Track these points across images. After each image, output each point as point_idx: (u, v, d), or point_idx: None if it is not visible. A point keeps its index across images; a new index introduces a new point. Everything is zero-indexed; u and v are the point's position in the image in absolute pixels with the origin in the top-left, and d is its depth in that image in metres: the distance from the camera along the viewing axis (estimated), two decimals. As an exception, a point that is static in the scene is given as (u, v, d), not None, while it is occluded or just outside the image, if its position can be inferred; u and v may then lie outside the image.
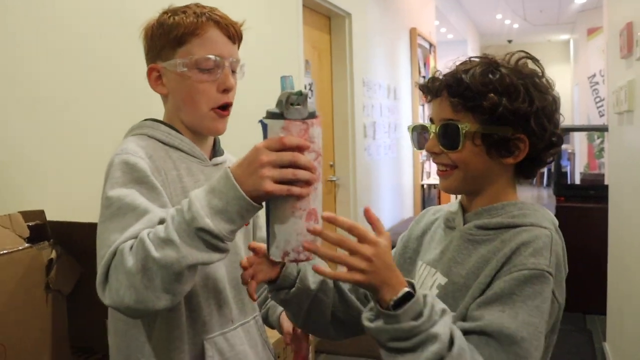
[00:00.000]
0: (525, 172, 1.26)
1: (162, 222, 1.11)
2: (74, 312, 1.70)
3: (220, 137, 1.47)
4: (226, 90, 1.34)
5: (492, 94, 1.15)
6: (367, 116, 5.34)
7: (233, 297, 1.38)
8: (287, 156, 1.03)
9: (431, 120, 1.27)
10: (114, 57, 2.23)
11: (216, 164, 1.42)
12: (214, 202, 1.05)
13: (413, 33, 7.11)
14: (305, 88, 4.22)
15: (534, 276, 1.08)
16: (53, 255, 1.61)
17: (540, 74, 1.23)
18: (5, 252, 1.47)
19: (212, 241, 1.05)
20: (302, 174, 1.04)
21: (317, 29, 4.64)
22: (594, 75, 9.97)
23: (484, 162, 1.20)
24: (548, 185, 13.17)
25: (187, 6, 1.35)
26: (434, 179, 7.88)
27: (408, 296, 1.03)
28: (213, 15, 1.34)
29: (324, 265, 1.08)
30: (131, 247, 1.07)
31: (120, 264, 1.07)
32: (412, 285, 1.05)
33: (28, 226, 1.58)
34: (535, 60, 1.26)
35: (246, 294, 1.40)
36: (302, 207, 1.05)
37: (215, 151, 1.45)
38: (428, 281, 1.26)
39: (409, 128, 1.34)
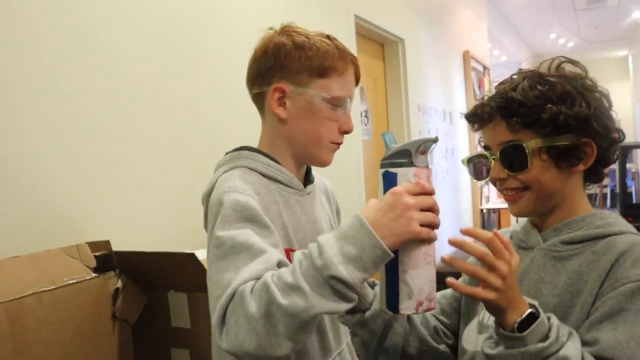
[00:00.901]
0: (593, 176, 1.22)
1: (280, 264, 1.08)
2: (138, 341, 1.71)
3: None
4: (347, 132, 1.33)
5: (549, 105, 1.13)
6: (423, 141, 5.29)
7: (330, 326, 1.36)
8: (429, 200, 1.01)
9: (486, 147, 1.23)
10: (183, 94, 2.27)
11: (309, 193, 1.39)
12: (347, 248, 0.99)
13: (466, 56, 7.06)
14: (362, 115, 4.23)
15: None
16: (119, 284, 1.63)
17: (585, 74, 1.20)
18: (73, 281, 1.49)
19: (343, 290, 0.98)
20: (437, 219, 1.03)
21: (370, 55, 4.65)
22: (656, 91, 9.71)
23: (555, 176, 1.17)
24: (613, 206, 12.79)
25: (322, 35, 1.32)
26: (494, 203, 7.75)
27: (532, 317, 0.99)
28: (353, 56, 1.33)
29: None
30: (252, 290, 1.01)
31: (240, 307, 1.01)
32: (534, 307, 1.01)
33: (95, 256, 1.61)
34: (574, 62, 1.23)
35: (340, 322, 1.38)
36: (430, 252, 1.03)
37: (308, 178, 1.42)
38: None
39: (463, 161, 1.30)
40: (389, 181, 1.04)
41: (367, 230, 0.99)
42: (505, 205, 5.59)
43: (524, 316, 0.99)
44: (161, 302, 1.72)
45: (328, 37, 1.32)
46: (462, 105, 6.88)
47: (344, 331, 1.42)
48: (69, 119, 1.85)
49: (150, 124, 2.17)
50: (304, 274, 0.98)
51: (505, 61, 11.45)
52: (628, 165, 8.43)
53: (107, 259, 1.64)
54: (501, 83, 1.23)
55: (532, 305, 1.01)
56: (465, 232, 1.03)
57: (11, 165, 1.68)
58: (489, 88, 8.25)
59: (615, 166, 5.43)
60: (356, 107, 4.02)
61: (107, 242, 1.67)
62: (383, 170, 1.05)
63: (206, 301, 1.14)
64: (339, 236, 1.01)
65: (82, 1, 1.91)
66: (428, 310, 1.04)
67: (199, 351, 1.69)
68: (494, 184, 1.24)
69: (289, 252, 1.23)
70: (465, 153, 6.91)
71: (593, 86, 1.19)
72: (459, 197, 6.60)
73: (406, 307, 1.03)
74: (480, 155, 1.25)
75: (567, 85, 1.15)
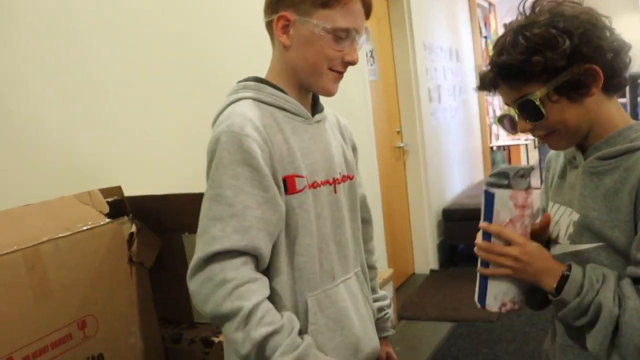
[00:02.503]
0: (614, 88, 1.22)
1: (255, 249, 1.22)
2: (157, 285, 1.73)
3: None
4: (350, 63, 1.35)
5: (534, 57, 1.15)
6: (431, 80, 5.24)
7: (336, 253, 1.39)
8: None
9: (507, 104, 1.28)
10: (188, 32, 2.25)
11: (318, 121, 1.41)
12: None
13: (471, -8, 6.93)
14: (367, 55, 4.17)
15: None
16: (133, 229, 1.64)
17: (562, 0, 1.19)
18: (87, 227, 1.50)
19: None
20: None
21: (373, -6, 4.57)
22: (667, 20, 9.49)
23: (575, 109, 1.19)
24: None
25: None
26: (503, 141, 7.71)
27: (566, 278, 1.14)
28: None
29: None
30: (232, 285, 1.18)
31: (214, 286, 1.18)
32: (569, 267, 1.16)
33: (107, 202, 1.61)
34: None
35: (349, 250, 1.43)
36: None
37: (316, 108, 1.44)
38: (564, 220, 1.27)
39: (495, 121, 1.42)
40: (487, 200, 1.22)
41: None
42: (514, 142, 5.57)
43: (558, 280, 1.15)
44: (176, 245, 1.73)
45: None
46: (468, 43, 6.78)
47: (354, 259, 1.45)
48: (75, 67, 1.84)
49: (156, 67, 2.15)
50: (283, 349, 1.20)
51: (511, -4, 11.23)
52: None
53: (119, 204, 1.65)
54: (494, 45, 1.25)
55: (568, 266, 1.16)
56: (481, 228, 1.23)
57: (20, 115, 1.68)
58: (496, 25, 8.13)
59: (625, 99, 5.31)
60: (362, 47, 3.97)
61: (119, 188, 1.67)
62: (484, 187, 1.23)
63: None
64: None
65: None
66: (511, 310, 1.25)
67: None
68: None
69: (294, 178, 1.29)
70: (474, 90, 6.83)
71: (572, 11, 1.17)
72: (469, 135, 6.56)
73: (491, 304, 1.24)
74: (505, 114, 1.30)
75: (545, 27, 1.15)
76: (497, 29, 8.26)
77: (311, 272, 1.32)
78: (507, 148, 7.88)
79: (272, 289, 1.27)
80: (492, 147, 7.37)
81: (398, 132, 4.84)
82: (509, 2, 10.36)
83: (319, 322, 1.32)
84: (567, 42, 1.13)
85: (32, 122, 1.70)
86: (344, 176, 1.44)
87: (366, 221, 1.60)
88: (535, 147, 8.29)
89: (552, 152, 1.45)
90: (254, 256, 1.22)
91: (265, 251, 1.24)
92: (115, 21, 2.00)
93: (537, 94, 1.17)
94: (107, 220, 1.57)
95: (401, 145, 4.81)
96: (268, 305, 1.20)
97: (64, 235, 1.43)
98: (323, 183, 1.36)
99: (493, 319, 3.79)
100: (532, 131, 1.25)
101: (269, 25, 1.36)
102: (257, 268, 1.24)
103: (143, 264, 1.66)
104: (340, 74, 1.36)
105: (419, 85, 4.89)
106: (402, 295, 4.47)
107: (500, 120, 1.33)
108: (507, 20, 1.28)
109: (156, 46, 2.16)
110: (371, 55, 4.33)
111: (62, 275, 1.41)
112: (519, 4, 1.23)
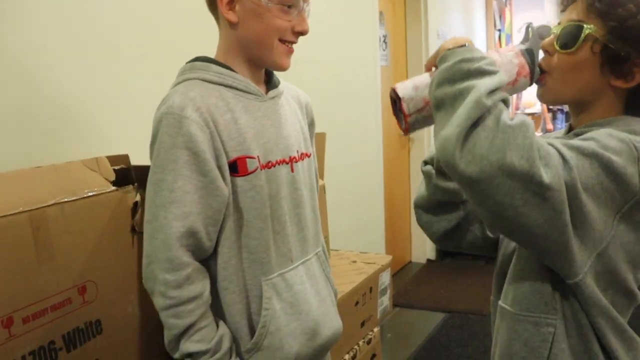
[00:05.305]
0: (638, 105, 1.15)
1: (192, 233, 1.24)
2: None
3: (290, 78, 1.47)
4: (301, 33, 1.33)
5: (631, 5, 1.08)
6: (441, 69, 5.22)
7: (295, 234, 1.38)
8: None
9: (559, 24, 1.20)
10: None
11: (273, 97, 1.40)
12: None
13: (488, -16, 6.89)
14: (380, 40, 4.15)
15: (620, 138, 1.01)
16: (137, 198, 1.64)
17: None
18: (93, 193, 1.50)
19: None
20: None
21: (390, -21, 4.54)
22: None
23: (594, 75, 1.13)
24: None
25: None
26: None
27: (464, 45, 1.03)
28: None
29: None
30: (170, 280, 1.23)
31: (159, 294, 1.25)
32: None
33: (114, 170, 1.61)
34: None
35: (309, 230, 1.42)
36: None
37: (271, 84, 1.43)
38: None
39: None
40: None
41: None
42: (528, 111, 5.46)
43: (459, 45, 1.03)
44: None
45: None
46: (482, 35, 6.75)
47: (314, 240, 1.45)
48: (86, 32, 1.84)
49: (170, 36, 2.15)
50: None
51: (528, -9, 11.13)
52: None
53: (125, 173, 1.64)
54: None
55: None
56: None
57: (33, 79, 1.68)
58: (511, 19, 8.07)
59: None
60: (374, 32, 3.95)
61: (126, 156, 1.67)
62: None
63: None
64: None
65: None
66: (394, 95, 1.11)
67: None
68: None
69: (245, 159, 1.28)
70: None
71: None
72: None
73: None
74: (545, 26, 1.21)
75: None
76: (512, 23, 8.22)
77: (265, 256, 1.31)
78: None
79: (220, 274, 1.29)
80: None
81: (405, 120, 4.83)
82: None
83: (274, 306, 1.31)
84: None
85: (45, 87, 1.71)
86: (302, 154, 1.42)
87: None
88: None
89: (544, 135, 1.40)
90: (194, 243, 1.25)
91: (204, 235, 1.25)
92: (132, -11, 1.99)
93: (592, 27, 1.10)
94: (113, 188, 1.57)
95: (407, 133, 4.81)
96: (202, 323, 1.25)
97: (70, 199, 1.44)
98: (279, 162, 1.34)
99: (485, 312, 3.82)
100: (545, 55, 1.18)
101: (212, 5, 1.35)
102: (198, 255, 1.27)
103: (145, 233, 1.67)
104: (291, 47, 1.34)
105: (430, 74, 4.88)
106: (397, 283, 4.49)
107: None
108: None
109: (172, 13, 2.16)
110: (384, 41, 4.31)
111: (65, 239, 1.42)
112: None
